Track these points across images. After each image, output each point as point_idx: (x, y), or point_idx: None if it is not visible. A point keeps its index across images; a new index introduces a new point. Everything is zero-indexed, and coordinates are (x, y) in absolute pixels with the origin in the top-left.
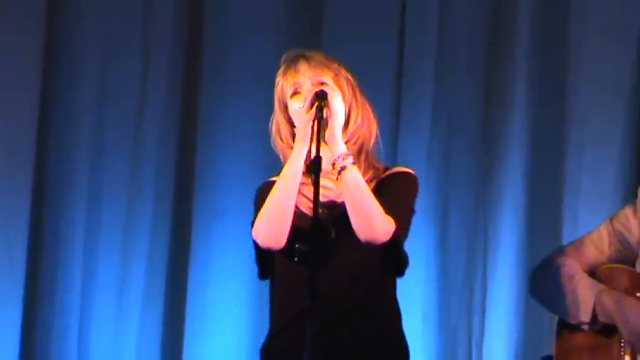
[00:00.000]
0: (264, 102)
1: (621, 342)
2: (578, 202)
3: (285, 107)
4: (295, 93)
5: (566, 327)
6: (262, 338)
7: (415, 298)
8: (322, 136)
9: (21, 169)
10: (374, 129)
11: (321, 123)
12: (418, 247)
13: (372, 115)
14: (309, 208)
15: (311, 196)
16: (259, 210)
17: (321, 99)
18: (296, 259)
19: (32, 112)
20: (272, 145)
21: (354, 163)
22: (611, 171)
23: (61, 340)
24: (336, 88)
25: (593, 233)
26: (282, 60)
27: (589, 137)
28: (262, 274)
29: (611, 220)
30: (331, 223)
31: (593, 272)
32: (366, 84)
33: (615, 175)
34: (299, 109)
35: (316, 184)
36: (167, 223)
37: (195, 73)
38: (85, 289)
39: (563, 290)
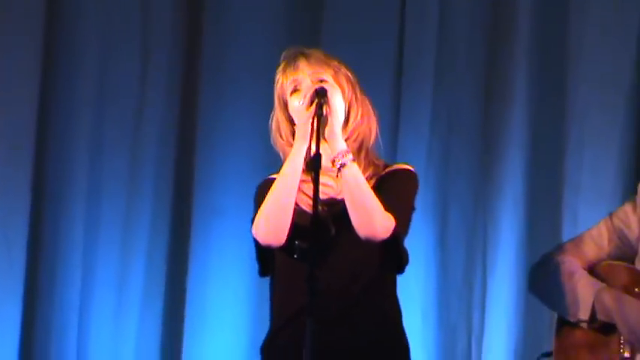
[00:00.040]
0: (263, 101)
1: (620, 339)
2: (577, 199)
3: (285, 105)
4: (295, 90)
5: (565, 324)
6: (261, 336)
7: (414, 296)
8: (322, 134)
9: (20, 167)
10: (374, 126)
11: (320, 120)
12: (418, 244)
13: (371, 112)
14: (309, 205)
15: (311, 193)
16: (259, 207)
17: (320, 96)
18: (295, 256)
19: (32, 110)
20: (272, 143)
21: (353, 160)
22: (610, 168)
23: (60, 338)
24: (335, 86)
25: (592, 230)
26: (282, 58)
27: (589, 135)
28: (262, 272)
29: (610, 216)
30: (331, 220)
31: (592, 269)
32: (366, 81)
33: (615, 172)
34: (299, 106)
35: (316, 181)
36: (166, 220)
37: (194, 73)
38: (84, 286)
39: (562, 288)
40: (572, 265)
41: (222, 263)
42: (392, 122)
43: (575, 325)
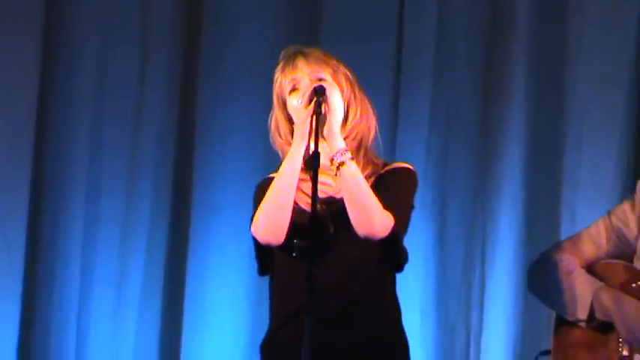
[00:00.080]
0: (262, 100)
1: (619, 338)
2: (576, 197)
3: (284, 104)
4: (294, 89)
5: (564, 322)
6: (260, 333)
7: (413, 294)
8: (321, 132)
9: (19, 163)
10: (373, 125)
11: (319, 119)
12: (416, 242)
13: (370, 110)
14: (308, 204)
15: (310, 192)
16: (258, 206)
17: (319, 95)
18: (294, 254)
19: (31, 110)
20: (271, 142)
21: (352, 159)
22: (609, 166)
23: (59, 334)
24: (334, 84)
25: (591, 228)
26: (281, 57)
27: (587, 132)
28: (262, 271)
29: (609, 215)
30: (329, 218)
31: (590, 268)
32: (365, 80)
33: (614, 170)
34: (297, 105)
35: (314, 179)
36: (165, 217)
37: (193, 73)
38: (83, 283)
39: (560, 286)
40: (570, 263)
41: (221, 261)
42: (391, 120)
43: (574, 323)
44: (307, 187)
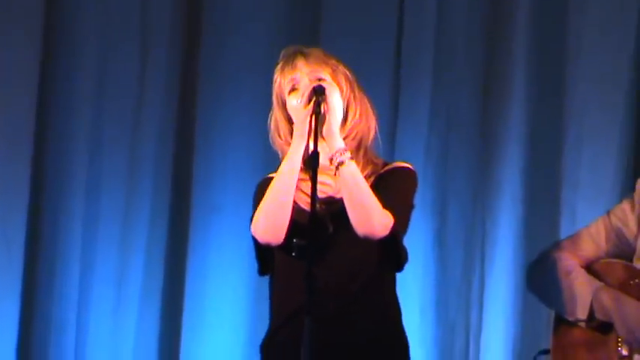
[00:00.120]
0: (262, 99)
1: (618, 338)
2: (576, 196)
3: (284, 104)
4: (293, 89)
5: (563, 322)
6: (260, 332)
7: (413, 293)
8: (320, 132)
9: (19, 162)
10: (372, 124)
11: (318, 118)
12: (416, 241)
13: (370, 110)
14: (308, 203)
15: (309, 191)
16: (258, 205)
17: (318, 94)
18: (294, 254)
19: (31, 108)
20: (270, 142)
21: (351, 158)
22: (609, 166)
23: (59, 333)
24: (333, 84)
25: (590, 228)
26: (280, 57)
27: (587, 132)
28: (262, 271)
29: (608, 214)
30: (329, 218)
31: (589, 267)
32: (365, 79)
33: (613, 169)
34: (297, 104)
35: (314, 179)
36: (165, 216)
37: (193, 73)
38: (83, 282)
39: (560, 286)
40: (570, 262)
41: (221, 260)
42: (390, 119)
43: (573, 323)
44: (307, 186)
